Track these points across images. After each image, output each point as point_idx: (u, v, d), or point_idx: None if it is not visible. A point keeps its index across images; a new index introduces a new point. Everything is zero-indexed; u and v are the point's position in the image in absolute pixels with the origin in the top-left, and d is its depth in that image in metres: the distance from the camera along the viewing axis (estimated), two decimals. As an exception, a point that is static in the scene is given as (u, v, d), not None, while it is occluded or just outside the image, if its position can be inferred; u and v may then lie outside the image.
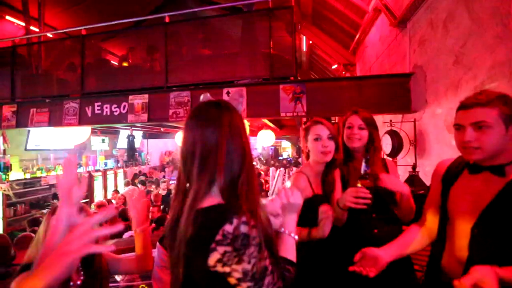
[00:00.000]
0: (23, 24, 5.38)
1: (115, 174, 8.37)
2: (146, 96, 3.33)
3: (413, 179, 2.38)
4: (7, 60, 4.38)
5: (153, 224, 3.53)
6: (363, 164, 1.21)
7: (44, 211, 5.77)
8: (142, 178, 7.95)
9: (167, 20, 3.40)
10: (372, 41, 4.27)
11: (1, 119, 4.27)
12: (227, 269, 0.64)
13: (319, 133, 1.38)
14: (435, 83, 2.40)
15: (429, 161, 2.52)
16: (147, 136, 9.55)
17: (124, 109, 3.42)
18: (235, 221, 0.64)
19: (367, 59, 4.65)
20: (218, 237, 0.63)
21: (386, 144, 2.71)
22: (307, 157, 1.49)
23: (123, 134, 8.19)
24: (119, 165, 8.53)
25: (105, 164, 8.19)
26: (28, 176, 5.99)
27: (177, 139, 8.12)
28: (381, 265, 1.01)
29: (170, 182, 7.34)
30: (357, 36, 4.50)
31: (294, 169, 7.84)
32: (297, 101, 2.91)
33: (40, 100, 4.02)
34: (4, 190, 5.18)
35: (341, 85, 3.04)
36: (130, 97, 3.40)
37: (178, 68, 3.34)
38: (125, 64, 3.90)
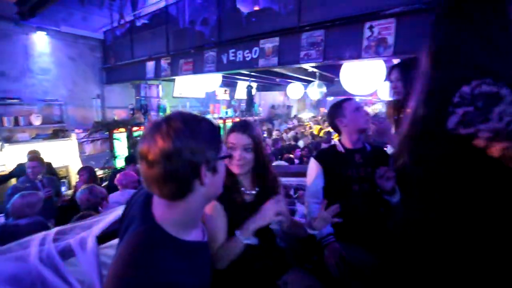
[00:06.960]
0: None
1: (233, 123, 9.49)
2: (277, 39, 3.37)
3: None
4: (161, 20, 5.30)
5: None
6: None
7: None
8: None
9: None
10: None
11: (160, 70, 5.39)
12: (470, 130, 0.61)
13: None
14: None
15: None
16: (260, 88, 10.11)
17: (255, 54, 3.62)
18: (473, 82, 0.61)
19: None
20: (456, 99, 0.63)
21: None
22: None
23: (241, 85, 8.93)
24: (236, 114, 9.57)
25: (226, 113, 9.34)
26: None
27: (289, 91, 8.25)
28: None
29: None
30: None
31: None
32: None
33: (186, 51, 4.75)
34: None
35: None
36: (261, 41, 3.54)
37: (311, 5, 3.14)
38: (256, 8, 4.00)
